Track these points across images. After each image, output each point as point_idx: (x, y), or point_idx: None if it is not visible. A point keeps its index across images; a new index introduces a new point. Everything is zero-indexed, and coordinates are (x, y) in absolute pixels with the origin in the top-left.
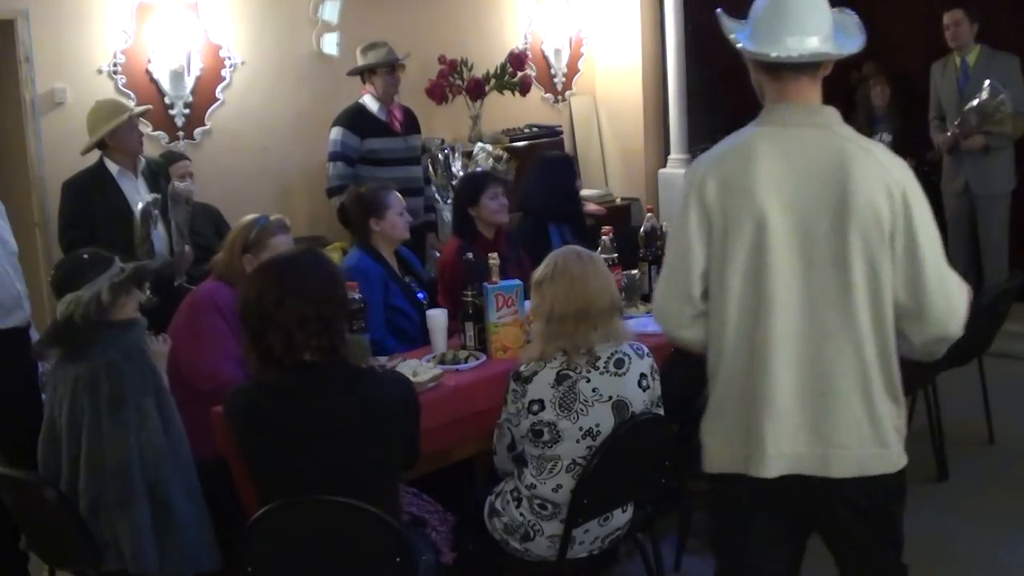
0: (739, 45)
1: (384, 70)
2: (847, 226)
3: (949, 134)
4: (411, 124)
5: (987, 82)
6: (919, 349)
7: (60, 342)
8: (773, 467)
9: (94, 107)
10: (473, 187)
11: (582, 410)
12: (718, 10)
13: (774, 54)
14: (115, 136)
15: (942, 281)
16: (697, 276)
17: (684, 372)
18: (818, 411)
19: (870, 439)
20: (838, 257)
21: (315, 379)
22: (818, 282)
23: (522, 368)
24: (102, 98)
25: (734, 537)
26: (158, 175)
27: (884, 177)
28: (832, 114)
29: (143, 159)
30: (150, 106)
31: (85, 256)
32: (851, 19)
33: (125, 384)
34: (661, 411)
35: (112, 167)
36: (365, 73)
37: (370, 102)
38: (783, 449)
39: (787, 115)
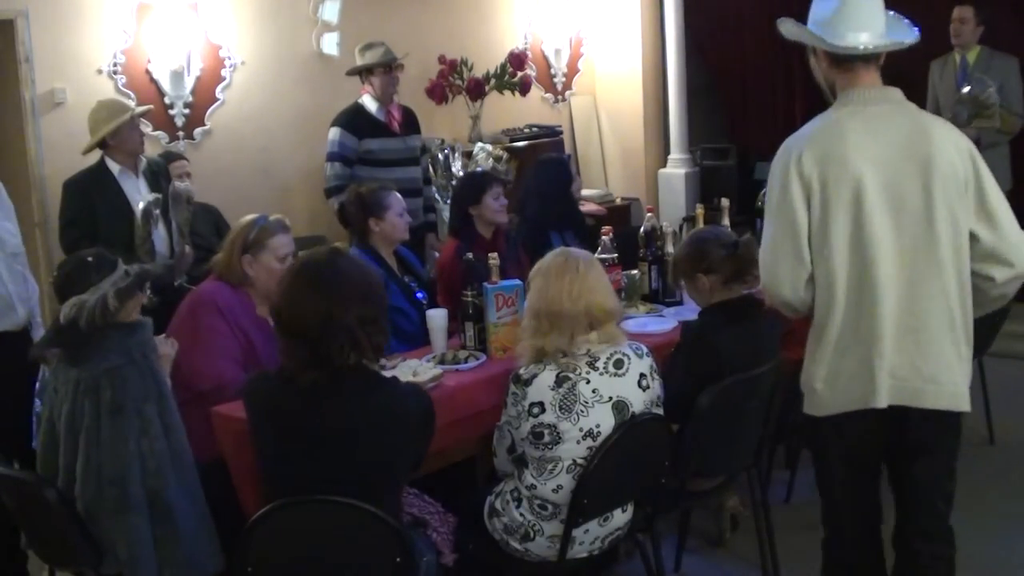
0: (825, 43)
1: (381, 70)
2: (932, 181)
3: None
4: (410, 124)
5: (976, 76)
6: (998, 289)
7: (62, 345)
8: (883, 398)
9: (95, 107)
10: (476, 186)
11: (582, 411)
12: (780, 19)
13: (862, 46)
14: (116, 136)
15: (1012, 220)
16: (805, 240)
17: (684, 372)
18: (913, 348)
19: (958, 376)
20: (926, 210)
21: (341, 381)
22: (909, 233)
23: (521, 371)
24: (102, 98)
25: (841, 471)
26: (159, 175)
27: (955, 139)
28: (900, 92)
29: (144, 159)
30: (151, 106)
31: (89, 259)
32: (899, 19)
33: (127, 390)
34: (661, 411)
35: (113, 167)
36: (363, 73)
37: (369, 102)
38: (889, 382)
39: (864, 96)
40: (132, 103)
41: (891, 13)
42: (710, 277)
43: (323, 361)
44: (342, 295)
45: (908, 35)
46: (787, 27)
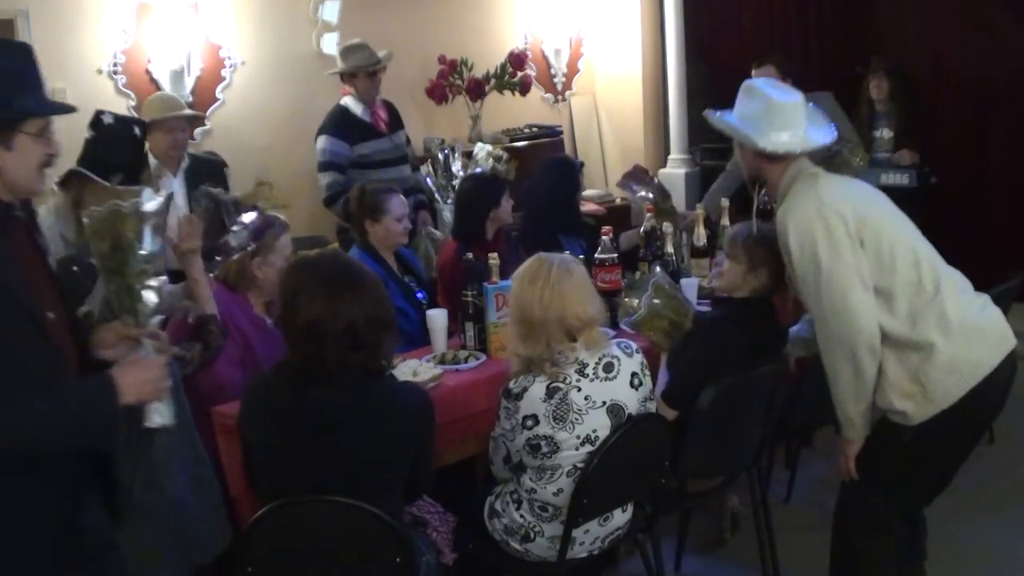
0: (752, 141)
1: (364, 74)
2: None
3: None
4: (395, 121)
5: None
6: None
7: None
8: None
9: (151, 97)
10: (495, 190)
11: (577, 419)
12: (708, 113)
13: (783, 149)
14: (158, 127)
15: None
16: (866, 269)
17: (692, 358)
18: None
19: None
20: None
21: (337, 376)
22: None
23: (511, 384)
24: (104, 97)
25: (952, 457)
26: (199, 175)
27: None
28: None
29: (187, 158)
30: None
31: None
32: (817, 112)
33: None
34: (653, 405)
35: (152, 162)
36: (345, 75)
37: (353, 104)
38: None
39: (807, 169)
40: (132, 103)
41: (811, 106)
42: (757, 271)
43: (325, 359)
44: (354, 294)
45: (826, 135)
46: (716, 121)
